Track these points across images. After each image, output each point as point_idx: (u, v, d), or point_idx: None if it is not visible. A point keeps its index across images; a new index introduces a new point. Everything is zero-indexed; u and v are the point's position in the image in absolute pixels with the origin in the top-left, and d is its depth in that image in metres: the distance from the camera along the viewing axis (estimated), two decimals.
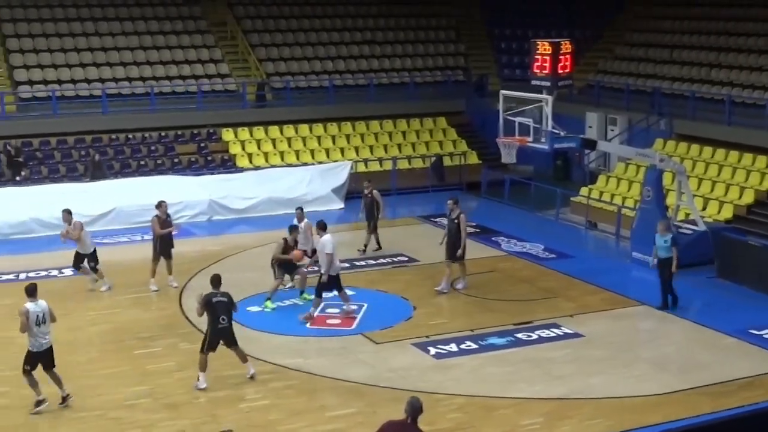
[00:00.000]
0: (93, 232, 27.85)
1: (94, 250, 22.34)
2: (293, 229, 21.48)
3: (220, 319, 16.27)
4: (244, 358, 16.75)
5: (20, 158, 31.33)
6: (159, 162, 33.05)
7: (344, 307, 20.22)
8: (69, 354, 17.67)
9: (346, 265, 23.97)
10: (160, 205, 22.58)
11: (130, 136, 34.02)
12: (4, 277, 23.54)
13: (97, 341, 18.71)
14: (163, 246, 22.30)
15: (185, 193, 30.05)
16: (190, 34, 39.13)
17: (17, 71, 35.52)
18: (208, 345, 16.34)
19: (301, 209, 22.93)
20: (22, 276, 23.42)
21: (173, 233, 22.69)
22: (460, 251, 21.46)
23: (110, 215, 29.05)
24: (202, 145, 34.36)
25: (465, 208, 31.47)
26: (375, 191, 25.88)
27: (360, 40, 41.45)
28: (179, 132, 34.63)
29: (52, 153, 32.77)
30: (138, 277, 22.57)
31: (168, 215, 22.68)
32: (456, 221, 21.64)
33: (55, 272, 23.86)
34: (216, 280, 16.59)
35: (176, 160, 33.30)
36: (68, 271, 23.55)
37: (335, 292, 20.13)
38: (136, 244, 26.95)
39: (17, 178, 30.72)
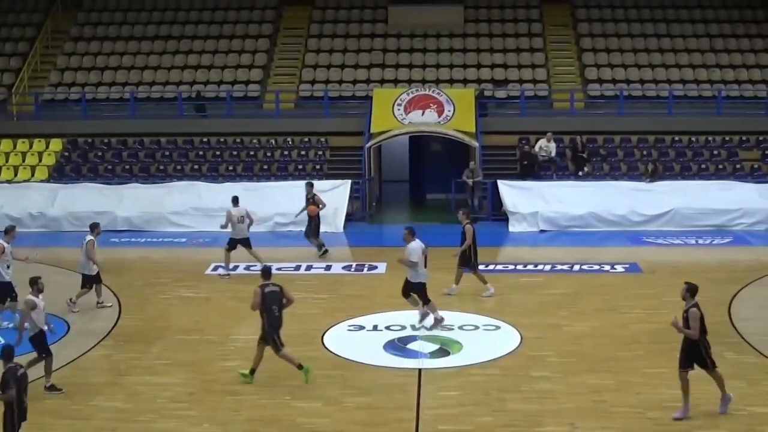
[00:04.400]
0: (647, 232, 28.35)
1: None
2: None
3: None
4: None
5: (584, 154, 32.40)
6: (720, 167, 32.48)
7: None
8: (617, 349, 18.18)
9: None
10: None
11: (693, 138, 33.78)
12: (559, 267, 24.54)
13: (644, 340, 18.88)
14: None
15: (744, 200, 29.34)
16: (764, 38, 37.93)
17: (588, 69, 36.80)
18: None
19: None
20: (582, 267, 24.31)
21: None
22: None
23: (666, 216, 29.15)
24: (767, 152, 33.20)
25: None
26: None
27: None
28: (744, 137, 33.74)
29: (614, 151, 33.51)
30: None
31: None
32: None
33: (607, 267, 24.47)
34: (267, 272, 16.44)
35: (738, 166, 32.52)
36: (620, 268, 24.08)
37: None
38: (701, 247, 27.03)
39: (580, 173, 31.82)
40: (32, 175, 33.10)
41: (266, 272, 16.75)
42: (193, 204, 29.79)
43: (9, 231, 20.63)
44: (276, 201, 29.47)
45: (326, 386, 16.57)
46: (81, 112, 35.19)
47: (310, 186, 26.47)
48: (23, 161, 33.85)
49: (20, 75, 37.10)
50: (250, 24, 39.16)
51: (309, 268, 24.70)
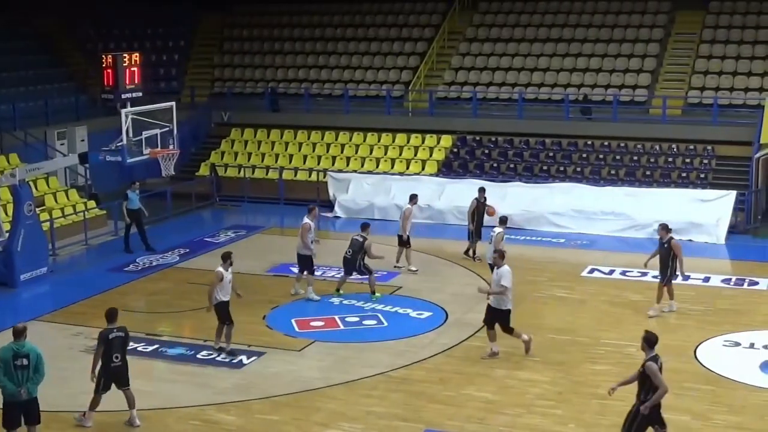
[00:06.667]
0: None
1: None
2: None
3: (113, 357, 15.24)
4: (132, 402, 15.57)
5: None
6: None
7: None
8: None
9: None
10: None
11: None
12: None
13: None
14: None
15: None
16: None
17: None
18: (103, 386, 15.34)
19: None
20: None
21: None
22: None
23: None
24: None
25: None
26: None
27: None
28: None
29: None
30: None
31: None
32: (666, 246, 20.99)
33: None
34: (112, 315, 15.39)
35: None
36: None
37: None
38: None
39: None
40: (422, 169, 34.78)
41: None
42: (573, 206, 30.03)
43: (311, 210, 22.99)
44: (657, 208, 29.10)
45: (695, 400, 16.43)
46: (471, 111, 36.45)
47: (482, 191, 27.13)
48: (415, 155, 35.63)
49: (417, 73, 39.02)
50: (641, 28, 38.76)
51: (686, 278, 24.30)
